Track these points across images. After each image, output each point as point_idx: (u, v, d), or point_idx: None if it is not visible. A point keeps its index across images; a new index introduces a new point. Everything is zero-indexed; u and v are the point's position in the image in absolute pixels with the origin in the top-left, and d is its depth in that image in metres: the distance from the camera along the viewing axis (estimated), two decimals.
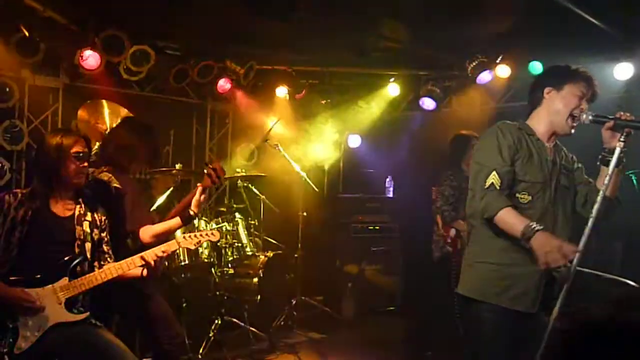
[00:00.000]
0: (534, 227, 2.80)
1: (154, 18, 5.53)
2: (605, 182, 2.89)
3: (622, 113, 2.92)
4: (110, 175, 3.66)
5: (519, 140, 3.11)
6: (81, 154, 3.25)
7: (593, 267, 3.25)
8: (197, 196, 3.88)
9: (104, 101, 5.51)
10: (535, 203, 3.07)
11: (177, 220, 3.78)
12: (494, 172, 2.99)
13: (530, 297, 3.02)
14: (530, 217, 3.01)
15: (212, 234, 3.57)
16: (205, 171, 4.19)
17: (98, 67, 5.64)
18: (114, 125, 4.24)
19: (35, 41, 5.30)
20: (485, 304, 3.08)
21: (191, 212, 3.81)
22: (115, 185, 3.65)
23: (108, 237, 3.40)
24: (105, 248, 3.37)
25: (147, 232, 3.73)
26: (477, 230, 3.22)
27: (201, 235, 3.51)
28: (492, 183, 2.97)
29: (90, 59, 5.56)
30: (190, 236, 3.47)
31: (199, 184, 4.01)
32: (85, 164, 3.27)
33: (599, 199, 2.88)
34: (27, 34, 5.21)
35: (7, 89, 5.51)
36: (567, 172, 3.23)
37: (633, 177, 4.12)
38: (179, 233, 4.03)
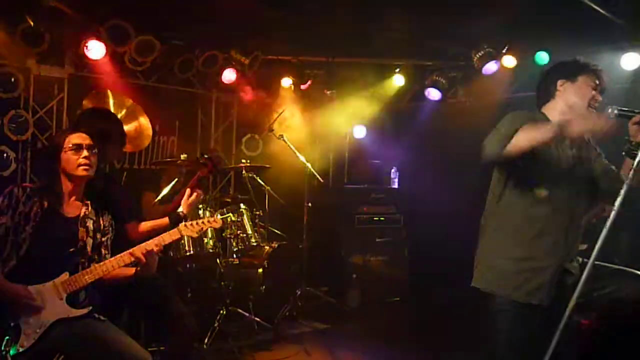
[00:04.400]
0: (560, 121, 2.84)
1: (159, 8, 5.51)
2: (631, 175, 2.85)
3: None
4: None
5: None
6: (79, 145, 3.20)
7: (599, 257, 3.25)
8: (186, 197, 3.89)
9: (109, 91, 5.52)
10: (552, 199, 3.09)
11: (165, 221, 3.80)
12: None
13: (544, 290, 3.07)
14: (545, 212, 3.08)
15: (214, 221, 3.55)
16: (202, 162, 4.21)
17: (103, 57, 5.64)
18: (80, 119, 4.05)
19: (40, 31, 5.29)
20: (502, 298, 3.14)
21: (180, 214, 3.83)
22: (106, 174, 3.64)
23: (109, 242, 3.36)
24: (103, 251, 3.31)
25: (134, 229, 3.75)
26: (492, 226, 3.27)
27: (203, 222, 3.47)
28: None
29: (96, 49, 5.56)
30: (192, 224, 3.44)
31: (187, 187, 4.02)
32: (86, 153, 3.20)
33: (622, 192, 2.85)
34: (32, 24, 5.20)
35: (12, 79, 5.51)
36: (587, 162, 3.24)
37: None
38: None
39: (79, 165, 3.19)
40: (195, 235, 3.46)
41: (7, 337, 2.91)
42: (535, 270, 3.09)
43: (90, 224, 3.28)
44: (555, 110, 3.22)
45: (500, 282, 3.16)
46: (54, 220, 3.17)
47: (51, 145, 3.26)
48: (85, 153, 3.20)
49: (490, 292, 3.19)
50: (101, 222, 3.34)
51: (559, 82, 3.21)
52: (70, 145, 3.19)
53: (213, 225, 3.56)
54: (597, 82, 3.14)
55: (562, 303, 2.94)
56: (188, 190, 3.95)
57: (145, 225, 3.82)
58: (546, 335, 2.91)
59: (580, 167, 3.19)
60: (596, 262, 3.09)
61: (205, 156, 4.24)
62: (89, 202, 3.32)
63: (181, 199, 4.01)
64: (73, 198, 3.27)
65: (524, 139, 2.86)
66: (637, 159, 2.85)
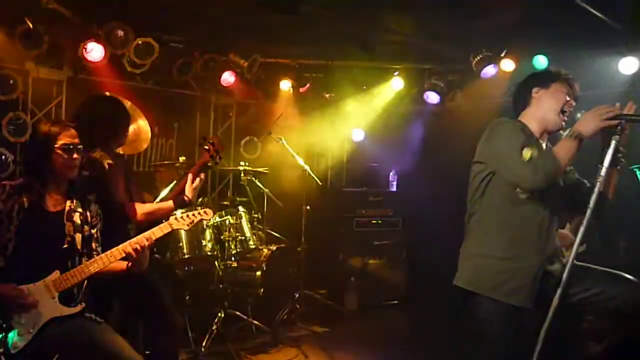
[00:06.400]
0: (572, 130, 3.01)
1: (158, 10, 5.51)
2: (602, 173, 2.95)
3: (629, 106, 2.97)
4: (102, 153, 3.64)
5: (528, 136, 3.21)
6: (70, 146, 3.15)
7: (597, 261, 3.27)
8: (189, 182, 3.88)
9: (107, 94, 5.51)
10: (532, 200, 3.15)
11: (169, 204, 3.79)
12: (527, 148, 3.05)
13: (526, 292, 3.10)
14: (526, 212, 3.15)
15: (204, 212, 3.52)
16: (205, 147, 4.19)
17: (102, 60, 5.65)
18: (84, 104, 4.01)
19: (39, 33, 5.29)
20: (482, 297, 3.17)
21: (185, 198, 3.82)
22: (108, 161, 3.61)
23: (98, 234, 3.33)
24: (93, 245, 3.29)
25: (138, 210, 3.73)
26: (474, 225, 3.32)
27: (193, 215, 3.43)
28: (531, 154, 3.03)
29: (94, 51, 5.56)
30: (182, 217, 3.40)
31: (189, 171, 4.01)
32: (75, 155, 3.17)
33: (596, 190, 2.96)
34: (31, 26, 5.20)
35: (11, 81, 5.50)
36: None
37: (638, 172, 4.10)
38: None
39: (68, 166, 3.16)
40: (186, 228, 3.42)
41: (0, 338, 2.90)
42: (515, 270, 3.12)
43: (76, 217, 3.22)
44: (531, 117, 3.32)
45: (480, 280, 3.20)
46: (39, 217, 3.12)
47: (41, 143, 3.16)
48: (75, 155, 3.17)
49: (471, 290, 3.23)
50: (88, 214, 3.29)
51: (534, 90, 3.33)
52: (61, 145, 3.14)
53: (204, 217, 3.52)
54: (570, 89, 3.27)
55: (545, 305, 3.01)
56: (191, 176, 3.93)
57: (148, 207, 3.80)
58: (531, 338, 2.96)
59: None
60: (581, 264, 3.15)
61: (209, 141, 4.21)
62: (73, 195, 3.27)
63: (180, 189, 3.99)
64: (56, 193, 3.22)
65: (565, 162, 3.01)
66: (605, 161, 2.96)
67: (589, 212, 2.94)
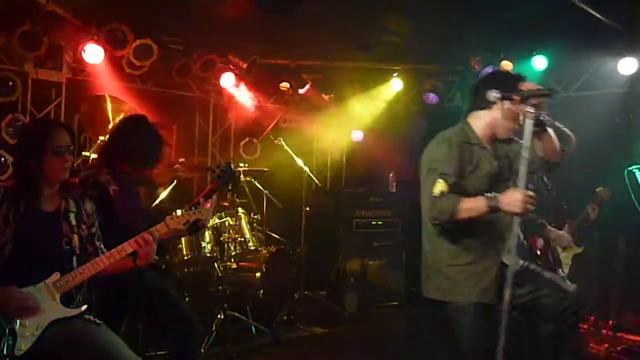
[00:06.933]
0: (494, 196, 3.01)
1: (157, 12, 5.52)
2: (526, 143, 2.92)
3: (525, 84, 3.08)
4: (109, 177, 3.62)
5: (462, 154, 3.26)
6: (62, 148, 3.07)
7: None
8: (202, 206, 3.87)
9: (106, 95, 5.51)
10: None
11: (180, 228, 3.77)
12: (442, 180, 3.12)
13: (493, 289, 3.22)
14: (481, 220, 3.17)
15: (199, 212, 3.51)
16: (216, 173, 4.17)
17: (101, 61, 5.65)
18: (122, 124, 4.02)
19: (39, 35, 5.30)
20: (458, 303, 3.28)
21: (199, 224, 3.80)
22: (113, 187, 3.61)
23: (99, 232, 3.29)
24: (97, 243, 3.25)
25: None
26: (436, 237, 3.37)
27: (188, 214, 3.43)
28: (441, 190, 3.11)
29: (93, 53, 5.56)
30: (177, 216, 3.38)
31: (200, 197, 3.98)
32: (68, 157, 3.09)
33: (522, 160, 2.92)
34: (30, 27, 5.20)
35: (10, 83, 5.51)
36: (510, 161, 3.39)
37: (637, 173, 4.10)
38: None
39: (59, 168, 3.08)
40: (181, 226, 3.39)
41: (4, 342, 2.88)
42: (480, 272, 3.25)
43: (72, 217, 3.18)
44: (487, 119, 3.34)
45: (454, 289, 3.29)
46: (34, 218, 3.07)
47: (33, 143, 3.07)
48: (67, 157, 3.10)
49: (446, 300, 3.32)
50: (83, 212, 3.24)
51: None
52: (54, 146, 3.05)
53: (198, 216, 3.50)
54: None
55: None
56: (202, 200, 3.92)
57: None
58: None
59: (504, 170, 3.33)
60: (533, 268, 3.23)
61: (221, 168, 4.20)
62: (66, 194, 3.21)
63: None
64: (50, 193, 3.15)
65: (461, 217, 3.07)
66: (525, 138, 2.93)
67: (522, 182, 2.93)
